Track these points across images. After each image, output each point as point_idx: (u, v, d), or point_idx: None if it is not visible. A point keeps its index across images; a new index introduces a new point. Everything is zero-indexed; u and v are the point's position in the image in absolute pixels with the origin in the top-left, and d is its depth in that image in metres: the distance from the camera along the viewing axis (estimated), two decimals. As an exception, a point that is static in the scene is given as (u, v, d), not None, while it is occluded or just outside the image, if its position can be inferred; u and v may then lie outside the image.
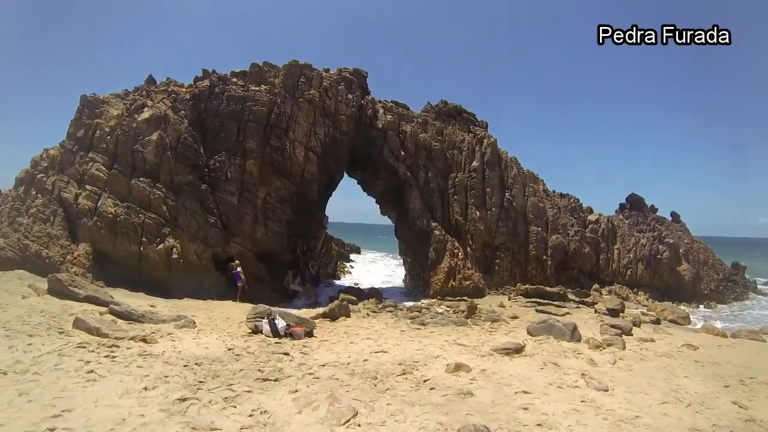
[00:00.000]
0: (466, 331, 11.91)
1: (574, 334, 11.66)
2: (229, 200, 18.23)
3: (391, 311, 15.59)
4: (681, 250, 29.83)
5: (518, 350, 9.45)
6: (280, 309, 10.87)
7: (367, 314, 14.29)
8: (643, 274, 27.43)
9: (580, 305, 20.68)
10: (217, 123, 19.59)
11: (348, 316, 13.82)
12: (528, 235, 23.23)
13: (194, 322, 11.71)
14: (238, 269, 17.08)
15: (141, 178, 17.80)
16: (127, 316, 10.64)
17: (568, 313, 17.90)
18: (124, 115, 19.27)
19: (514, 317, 15.71)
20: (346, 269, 35.16)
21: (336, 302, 13.61)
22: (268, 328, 9.97)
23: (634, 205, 31.84)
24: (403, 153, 21.78)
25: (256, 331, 10.38)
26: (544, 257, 23.32)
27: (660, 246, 28.74)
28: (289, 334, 9.95)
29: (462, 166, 23.11)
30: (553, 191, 27.50)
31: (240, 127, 19.25)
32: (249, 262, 17.77)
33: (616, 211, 31.96)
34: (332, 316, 13.20)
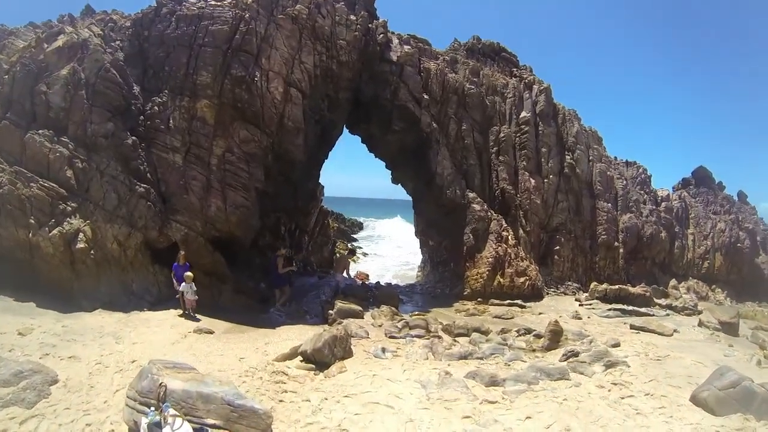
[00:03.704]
0: (584, 402, 5.99)
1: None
2: (169, 159, 12.05)
3: (421, 336, 9.59)
4: (758, 238, 24.01)
5: None
6: (194, 376, 4.74)
7: (382, 350, 8.28)
8: (721, 267, 21.65)
9: (669, 312, 14.84)
10: (161, 53, 13.22)
11: (349, 354, 7.90)
12: (595, 213, 17.00)
13: (55, 382, 6.13)
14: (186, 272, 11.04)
15: (41, 131, 11.69)
16: None
17: (675, 331, 12.08)
18: (30, 46, 13.02)
19: (616, 345, 9.87)
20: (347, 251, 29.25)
21: (328, 335, 7.57)
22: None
23: (701, 180, 25.74)
24: (426, 97, 15.37)
25: (137, 434, 4.54)
26: (616, 244, 17.18)
27: (740, 233, 22.81)
28: (205, 458, 4.06)
29: (507, 117, 16.67)
30: (615, 158, 21.28)
31: (191, 54, 12.95)
32: (200, 252, 11.76)
33: (673, 188, 25.79)
34: (320, 362, 7.23)
